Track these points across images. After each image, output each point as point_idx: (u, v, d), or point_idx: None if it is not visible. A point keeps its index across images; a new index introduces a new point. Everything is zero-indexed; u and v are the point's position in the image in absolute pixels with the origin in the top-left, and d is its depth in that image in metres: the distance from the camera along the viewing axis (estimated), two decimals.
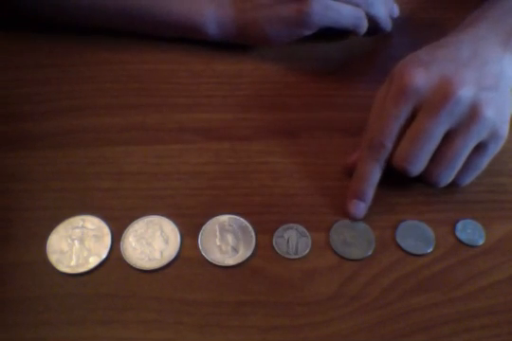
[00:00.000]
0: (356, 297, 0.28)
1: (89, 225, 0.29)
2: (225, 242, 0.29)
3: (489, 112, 0.27)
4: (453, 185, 0.30)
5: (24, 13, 0.39)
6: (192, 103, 0.36)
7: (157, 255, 0.28)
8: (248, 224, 0.30)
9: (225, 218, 0.30)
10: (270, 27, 0.36)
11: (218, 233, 0.29)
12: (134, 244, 0.29)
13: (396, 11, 0.41)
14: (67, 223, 0.29)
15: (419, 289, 0.28)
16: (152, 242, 0.29)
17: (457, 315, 0.27)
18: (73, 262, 0.28)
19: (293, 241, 0.29)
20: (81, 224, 0.29)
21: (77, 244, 0.29)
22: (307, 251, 0.29)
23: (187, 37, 0.39)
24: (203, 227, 0.30)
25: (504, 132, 0.29)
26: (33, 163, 0.32)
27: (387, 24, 0.39)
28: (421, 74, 0.28)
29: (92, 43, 0.40)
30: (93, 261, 0.28)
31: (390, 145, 0.29)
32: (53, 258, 0.28)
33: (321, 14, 0.35)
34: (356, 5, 0.36)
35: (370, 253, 0.29)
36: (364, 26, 0.37)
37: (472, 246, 0.30)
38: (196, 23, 0.37)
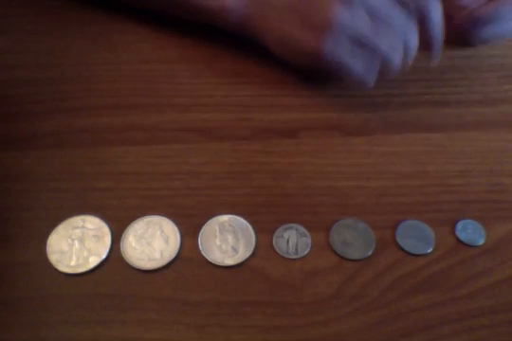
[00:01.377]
0: (356, 297, 0.28)
1: (89, 225, 0.29)
2: (225, 242, 0.29)
3: None
4: None
5: None
6: (191, 103, 0.36)
7: (157, 255, 0.28)
8: (248, 224, 0.30)
9: (225, 218, 0.30)
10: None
11: (218, 233, 0.29)
12: (134, 244, 0.29)
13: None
14: (67, 223, 0.29)
15: (419, 289, 0.28)
16: (152, 241, 0.29)
17: (457, 315, 0.27)
18: (73, 262, 0.28)
19: (293, 241, 0.29)
20: (81, 224, 0.29)
21: (77, 244, 0.29)
22: (307, 251, 0.29)
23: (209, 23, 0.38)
24: (203, 227, 0.30)
25: None
26: (32, 163, 0.32)
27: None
28: None
29: (91, 42, 0.40)
30: (93, 261, 0.28)
31: None
32: (53, 258, 0.28)
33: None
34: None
35: (370, 253, 0.29)
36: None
37: (472, 246, 0.30)
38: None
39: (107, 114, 0.35)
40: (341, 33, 0.31)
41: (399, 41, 0.32)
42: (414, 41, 0.33)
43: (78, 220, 0.30)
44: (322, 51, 0.32)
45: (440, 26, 0.33)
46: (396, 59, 0.33)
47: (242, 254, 0.29)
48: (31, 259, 0.28)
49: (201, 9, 0.36)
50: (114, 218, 0.30)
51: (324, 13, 0.31)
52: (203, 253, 0.29)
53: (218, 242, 0.29)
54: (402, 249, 0.29)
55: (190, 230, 0.30)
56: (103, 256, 0.28)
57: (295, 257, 0.29)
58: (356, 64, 0.33)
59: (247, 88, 0.37)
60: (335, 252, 0.29)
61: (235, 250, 0.29)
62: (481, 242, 0.30)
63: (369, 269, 0.29)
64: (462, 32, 0.39)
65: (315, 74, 0.38)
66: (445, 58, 0.40)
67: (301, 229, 0.30)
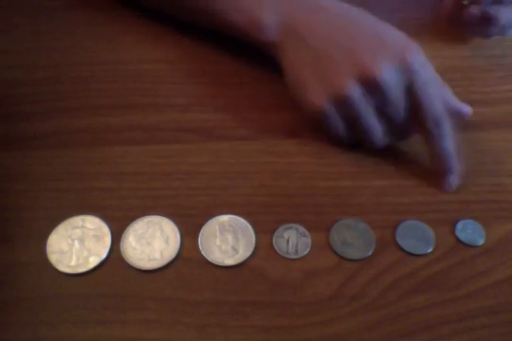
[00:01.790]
0: (356, 297, 0.28)
1: (89, 225, 0.29)
2: (225, 242, 0.29)
3: None
4: None
5: None
6: (191, 103, 0.36)
7: (157, 255, 0.28)
8: (248, 224, 0.30)
9: (225, 218, 0.30)
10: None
11: (218, 233, 0.29)
12: (134, 244, 0.29)
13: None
14: (67, 223, 0.29)
15: (419, 289, 0.28)
16: (152, 241, 0.29)
17: (457, 315, 0.27)
18: (73, 262, 0.28)
19: (293, 241, 0.29)
20: (81, 224, 0.29)
21: (77, 244, 0.29)
22: (307, 251, 0.29)
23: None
24: (203, 227, 0.30)
25: None
26: (32, 163, 0.32)
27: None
28: None
29: (91, 43, 0.40)
30: (93, 261, 0.28)
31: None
32: (53, 258, 0.28)
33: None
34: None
35: (370, 253, 0.29)
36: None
37: (472, 246, 0.30)
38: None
39: (107, 114, 0.35)
40: (343, 106, 0.31)
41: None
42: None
43: (78, 220, 0.30)
44: (319, 110, 0.31)
45: (450, 152, 0.31)
46: (378, 142, 0.33)
47: (242, 254, 0.29)
48: (31, 259, 0.28)
49: (233, 24, 0.35)
50: (114, 218, 0.30)
51: (340, 81, 0.30)
52: (203, 253, 0.29)
53: (218, 242, 0.29)
54: (402, 249, 0.29)
55: (190, 230, 0.30)
56: (103, 256, 0.28)
57: (295, 257, 0.29)
58: (340, 131, 0.33)
59: (247, 88, 0.37)
60: (335, 252, 0.29)
61: (235, 250, 0.29)
62: (481, 242, 0.30)
63: (369, 269, 0.29)
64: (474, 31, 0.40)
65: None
66: (445, 58, 0.40)
67: (301, 229, 0.30)
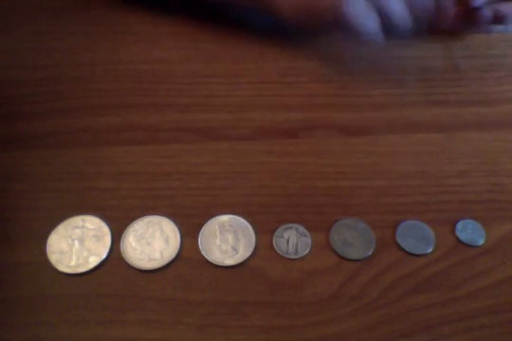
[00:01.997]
0: (356, 297, 0.28)
1: (89, 225, 0.29)
2: (225, 242, 0.29)
3: None
4: None
5: None
6: (191, 103, 0.36)
7: (157, 255, 0.28)
8: (248, 224, 0.30)
9: (225, 218, 0.30)
10: None
11: (218, 233, 0.29)
12: (134, 244, 0.29)
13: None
14: (67, 223, 0.29)
15: (419, 289, 0.28)
16: (152, 241, 0.29)
17: (457, 315, 0.27)
18: (73, 262, 0.28)
19: (293, 241, 0.29)
20: (81, 224, 0.29)
21: (77, 244, 0.29)
22: (307, 251, 0.29)
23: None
24: (203, 227, 0.30)
25: None
26: (32, 163, 0.32)
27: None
28: None
29: (91, 42, 0.40)
30: (93, 261, 0.28)
31: None
32: (53, 258, 0.28)
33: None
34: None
35: (370, 253, 0.29)
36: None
37: (472, 246, 0.30)
38: None
39: (107, 114, 0.35)
40: None
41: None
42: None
43: (78, 220, 0.30)
44: (340, 7, 0.31)
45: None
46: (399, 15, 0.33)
47: (242, 254, 0.29)
48: (31, 259, 0.28)
49: None
50: (114, 218, 0.30)
51: None
52: (203, 253, 0.29)
53: (218, 242, 0.29)
54: (402, 249, 0.29)
55: (190, 230, 0.30)
56: (103, 256, 0.28)
57: (295, 257, 0.29)
58: (369, 22, 0.32)
59: (247, 88, 0.37)
60: (335, 252, 0.29)
61: (235, 250, 0.29)
62: (481, 242, 0.30)
63: (369, 269, 0.29)
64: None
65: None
66: (445, 58, 0.40)
67: (301, 229, 0.30)
